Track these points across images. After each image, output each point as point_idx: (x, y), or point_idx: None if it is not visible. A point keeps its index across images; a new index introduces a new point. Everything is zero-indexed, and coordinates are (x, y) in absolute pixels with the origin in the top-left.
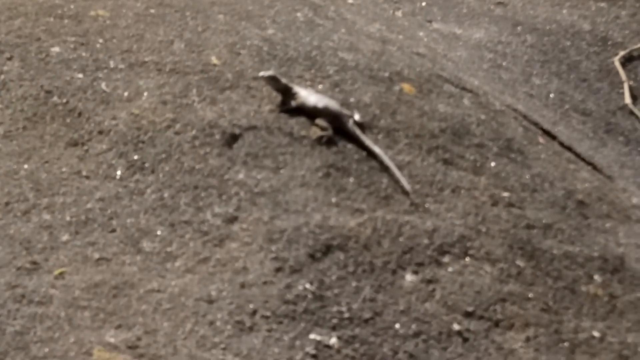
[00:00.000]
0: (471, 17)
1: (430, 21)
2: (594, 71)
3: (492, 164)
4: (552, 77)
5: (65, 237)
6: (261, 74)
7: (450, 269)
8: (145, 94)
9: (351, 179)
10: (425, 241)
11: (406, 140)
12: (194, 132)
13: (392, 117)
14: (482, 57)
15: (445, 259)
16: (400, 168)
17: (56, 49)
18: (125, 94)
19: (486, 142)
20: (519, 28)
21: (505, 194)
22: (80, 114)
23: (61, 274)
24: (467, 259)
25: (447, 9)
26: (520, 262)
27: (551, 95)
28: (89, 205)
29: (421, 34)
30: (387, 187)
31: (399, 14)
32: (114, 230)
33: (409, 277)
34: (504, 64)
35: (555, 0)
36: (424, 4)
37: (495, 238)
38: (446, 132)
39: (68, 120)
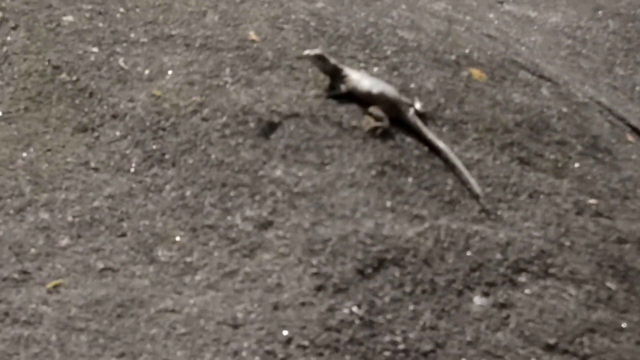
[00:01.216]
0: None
1: (501, 2)
2: None
3: (576, 164)
4: (637, 67)
5: (64, 242)
6: (306, 52)
7: (527, 291)
8: (170, 72)
9: (410, 179)
10: (498, 256)
11: (475, 135)
12: (224, 118)
13: (459, 107)
14: (560, 43)
15: (522, 278)
16: (468, 167)
17: (69, 18)
18: (146, 72)
19: (569, 139)
20: (600, 12)
21: (592, 201)
22: (91, 94)
23: (56, 286)
24: (548, 279)
25: None
26: (611, 284)
27: (637, 88)
28: (95, 204)
29: (491, 15)
30: (453, 189)
31: None
32: (123, 235)
33: (478, 300)
34: (583, 51)
35: None
36: None
37: (581, 254)
38: (522, 127)
39: (77, 101)
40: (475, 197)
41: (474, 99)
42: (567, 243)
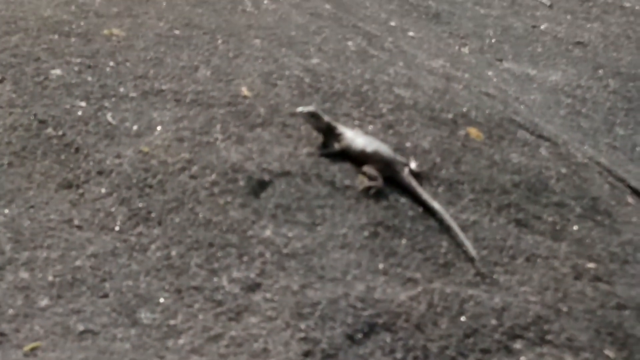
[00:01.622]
0: (546, 57)
1: (500, 60)
2: None
3: (575, 227)
4: (637, 127)
5: (44, 302)
6: (299, 109)
7: (522, 359)
8: (159, 128)
9: (403, 241)
10: (493, 322)
11: (472, 196)
12: (213, 176)
13: (455, 167)
14: (559, 102)
15: (517, 345)
16: (464, 229)
17: (57, 72)
18: (135, 127)
19: (567, 200)
20: (600, 71)
21: (591, 265)
22: (77, 150)
23: (33, 349)
24: (545, 346)
25: (520, 47)
26: (609, 352)
27: (637, 148)
28: (77, 263)
29: (490, 73)
30: (448, 252)
31: (465, 50)
32: (105, 296)
33: None
34: (583, 110)
35: None
36: (493, 40)
37: (578, 320)
38: (520, 187)
39: (62, 156)
40: (471, 259)
41: (471, 159)
42: (565, 309)
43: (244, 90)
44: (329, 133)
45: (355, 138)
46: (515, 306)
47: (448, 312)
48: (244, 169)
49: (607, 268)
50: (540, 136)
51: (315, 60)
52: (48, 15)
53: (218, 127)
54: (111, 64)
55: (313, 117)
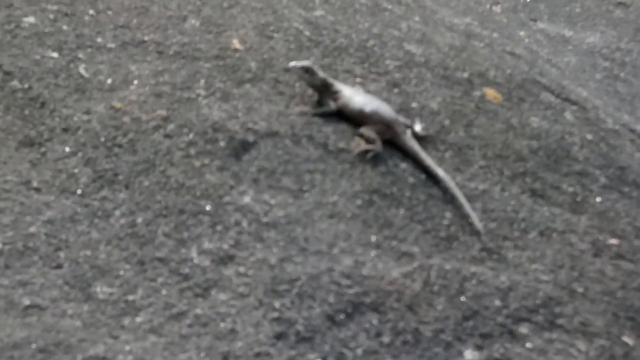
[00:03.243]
0: (585, 18)
1: (535, 20)
2: None
3: (598, 199)
4: None
5: None
6: (292, 64)
7: (528, 345)
8: (136, 82)
9: (401, 211)
10: (497, 303)
11: (483, 162)
12: (190, 136)
13: (466, 131)
14: (596, 65)
15: (523, 329)
16: (471, 199)
17: (30, 20)
18: (109, 81)
19: (591, 169)
20: None
21: (613, 241)
22: (43, 105)
23: None
24: (554, 331)
25: (557, 7)
26: (628, 339)
27: None
28: (32, 229)
29: (522, 33)
30: (451, 224)
31: (497, 9)
32: (59, 267)
33: (470, 354)
34: (621, 74)
35: None
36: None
37: (595, 303)
38: (538, 154)
39: (26, 111)
40: (477, 232)
41: (485, 122)
42: (580, 289)
43: (235, 43)
44: (325, 90)
45: (354, 97)
46: (523, 286)
47: (446, 292)
48: (225, 129)
49: (631, 245)
50: (566, 99)
51: (318, 12)
52: None
53: (202, 82)
54: (91, 11)
55: (307, 72)
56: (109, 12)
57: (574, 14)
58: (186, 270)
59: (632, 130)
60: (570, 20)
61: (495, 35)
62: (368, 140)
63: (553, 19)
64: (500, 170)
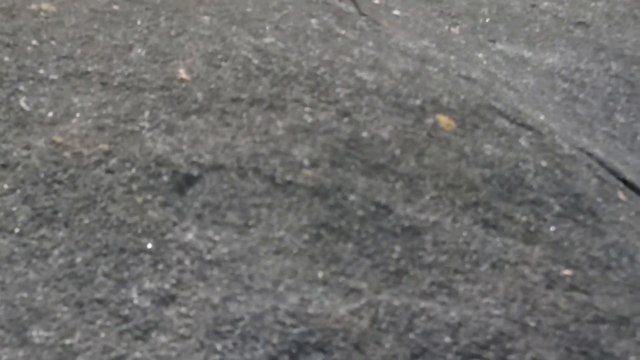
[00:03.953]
0: (544, 39)
1: (493, 40)
2: None
3: (552, 228)
4: None
5: None
6: None
7: None
8: (78, 115)
9: (349, 245)
10: (447, 339)
11: (434, 193)
12: (133, 170)
13: (417, 160)
14: (555, 86)
15: None
16: (421, 231)
17: None
18: (50, 114)
19: (545, 198)
20: (602, 54)
21: (567, 272)
22: None
23: None
24: None
25: (516, 27)
26: None
27: (639, 138)
28: None
29: (480, 55)
30: (401, 257)
31: (455, 30)
32: None
33: None
34: (581, 96)
35: None
36: (487, 20)
37: (548, 336)
38: (491, 183)
39: None
40: (427, 266)
41: (437, 151)
42: (533, 323)
43: (182, 73)
44: None
45: None
46: (474, 321)
47: (394, 329)
48: (169, 162)
49: (585, 275)
50: (522, 124)
51: (268, 39)
52: None
53: (146, 114)
54: (34, 42)
55: None
56: (53, 42)
57: (534, 34)
58: (126, 312)
59: (590, 155)
60: (530, 40)
61: (452, 57)
62: None
63: (512, 39)
64: (452, 201)
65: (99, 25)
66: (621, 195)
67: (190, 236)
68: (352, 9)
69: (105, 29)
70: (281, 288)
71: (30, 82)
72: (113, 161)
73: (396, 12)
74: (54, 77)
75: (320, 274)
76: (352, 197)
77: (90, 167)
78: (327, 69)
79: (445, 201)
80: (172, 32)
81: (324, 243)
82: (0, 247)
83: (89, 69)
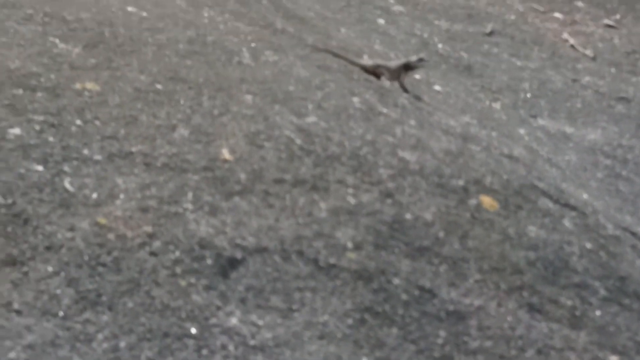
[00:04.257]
0: (586, 114)
1: (535, 116)
2: None
3: (597, 312)
4: None
5: None
6: None
7: None
8: (122, 196)
9: (394, 330)
10: None
11: (478, 276)
12: (177, 253)
13: (461, 242)
14: (597, 163)
15: None
16: (466, 315)
17: (16, 131)
18: (94, 195)
19: (591, 281)
20: None
21: (614, 358)
22: (26, 221)
23: None
24: None
25: (557, 102)
26: None
27: None
28: (11, 355)
29: (522, 131)
30: (445, 343)
31: (496, 105)
32: None
33: None
34: (623, 172)
35: None
36: (529, 95)
37: None
38: (536, 266)
39: (9, 228)
40: (472, 352)
41: (481, 233)
42: None
43: (225, 153)
44: None
45: None
46: None
47: None
48: (213, 245)
49: None
50: (565, 205)
51: (311, 119)
52: (15, 67)
53: (189, 195)
54: (78, 122)
55: None
56: (97, 122)
57: (575, 110)
58: None
59: (634, 234)
60: (571, 116)
61: (493, 134)
62: None
63: (553, 115)
64: (497, 284)
65: (143, 105)
66: None
67: (234, 321)
68: (392, 86)
69: (148, 109)
70: None
71: (75, 162)
72: (157, 244)
73: (437, 87)
74: (98, 157)
75: None
76: (396, 281)
77: (134, 249)
78: (369, 149)
79: (489, 285)
80: (215, 112)
81: (368, 328)
82: (44, 331)
83: (133, 149)
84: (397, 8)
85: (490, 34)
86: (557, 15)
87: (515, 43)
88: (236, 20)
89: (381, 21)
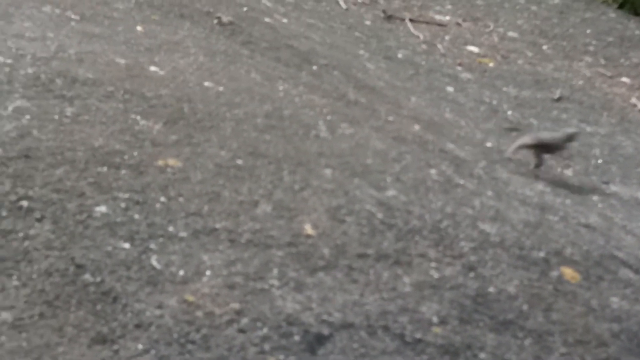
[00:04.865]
0: None
1: (607, 182)
2: None
3: None
4: None
5: None
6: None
7: None
8: (208, 273)
9: None
10: None
11: (564, 349)
12: (265, 330)
13: (545, 315)
14: None
15: None
16: None
17: (102, 209)
18: (181, 272)
19: None
20: None
21: None
22: (115, 299)
23: None
24: None
25: (629, 167)
26: None
27: None
28: None
29: (595, 198)
30: None
31: (568, 172)
32: None
33: None
34: None
35: None
36: (600, 161)
37: None
38: (620, 338)
39: (99, 306)
40: None
41: (564, 305)
42: None
43: (307, 228)
44: None
45: None
46: None
47: None
48: (300, 321)
49: None
50: None
51: (391, 192)
52: (99, 145)
53: (275, 271)
54: (162, 199)
55: None
56: (180, 199)
57: None
58: None
59: None
60: None
61: (567, 202)
62: None
63: (625, 180)
64: (582, 357)
65: (224, 181)
66: None
67: None
68: (468, 156)
69: (230, 184)
70: None
71: (161, 239)
72: (244, 320)
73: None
74: (183, 234)
75: None
76: (482, 355)
77: (222, 326)
78: (449, 222)
79: (575, 358)
80: (296, 187)
81: None
82: None
83: (217, 225)
84: (465, 75)
85: (559, 99)
86: (625, 79)
87: (583, 108)
88: (310, 92)
89: (450, 89)
